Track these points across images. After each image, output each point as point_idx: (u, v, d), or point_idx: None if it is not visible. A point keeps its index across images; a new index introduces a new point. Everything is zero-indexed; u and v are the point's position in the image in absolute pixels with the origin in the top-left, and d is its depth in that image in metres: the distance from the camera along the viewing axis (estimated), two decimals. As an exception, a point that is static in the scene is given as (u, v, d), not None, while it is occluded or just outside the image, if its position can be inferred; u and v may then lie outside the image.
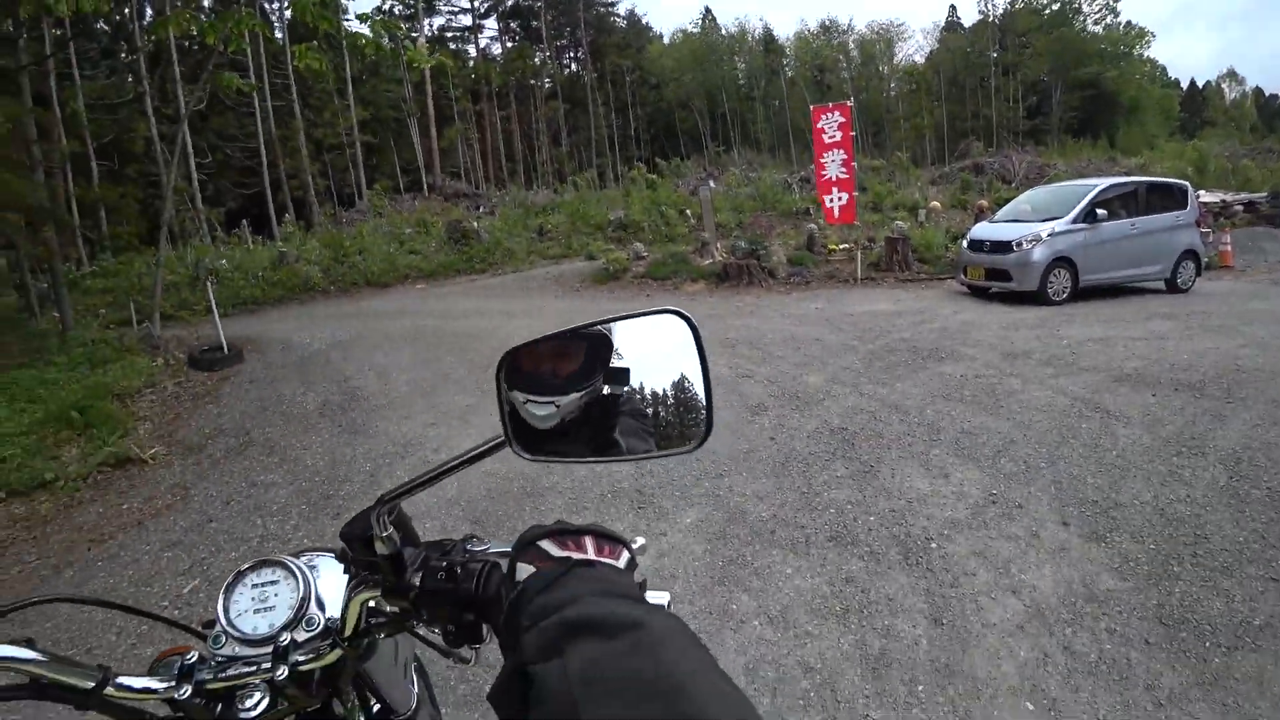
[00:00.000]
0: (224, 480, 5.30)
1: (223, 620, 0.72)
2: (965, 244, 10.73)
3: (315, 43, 11.34)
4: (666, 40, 61.56)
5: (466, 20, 52.16)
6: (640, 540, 0.69)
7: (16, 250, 12.12)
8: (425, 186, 35.88)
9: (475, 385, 6.85)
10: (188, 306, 14.33)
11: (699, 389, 0.70)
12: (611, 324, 0.71)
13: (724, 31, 56.99)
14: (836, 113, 11.76)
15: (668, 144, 55.41)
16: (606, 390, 0.70)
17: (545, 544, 0.61)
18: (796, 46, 55.22)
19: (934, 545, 3.46)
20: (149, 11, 32.13)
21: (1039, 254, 9.45)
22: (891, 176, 26.43)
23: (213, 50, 11.85)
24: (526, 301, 11.82)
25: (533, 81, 51.42)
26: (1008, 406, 5.25)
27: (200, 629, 0.84)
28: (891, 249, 12.53)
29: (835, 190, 11.75)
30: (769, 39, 54.88)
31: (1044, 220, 9.91)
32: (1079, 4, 51.13)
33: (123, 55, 32.22)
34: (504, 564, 0.65)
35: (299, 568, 0.75)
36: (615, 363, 0.70)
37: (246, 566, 0.76)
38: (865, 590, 3.14)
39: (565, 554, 0.59)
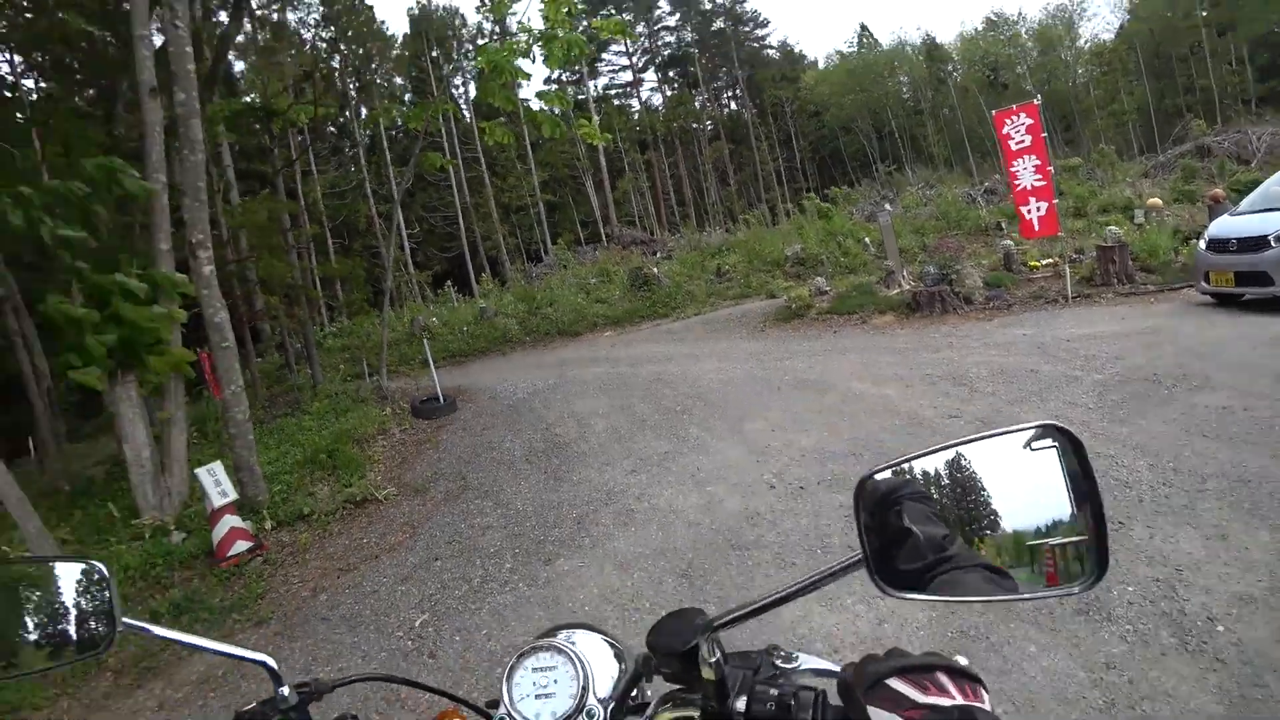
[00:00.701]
0: (446, 521, 5.85)
1: (508, 705, 0.76)
2: (1203, 244, 8.89)
3: (502, 119, 12.50)
4: (822, 65, 60.39)
5: (627, 76, 54.88)
6: (962, 659, 0.60)
7: (279, 320, 14.38)
8: (604, 237, 37.87)
9: (670, 431, 6.98)
10: (407, 360, 16.16)
11: (1085, 517, 0.62)
12: (975, 443, 0.66)
13: (882, 47, 54.52)
14: (1022, 114, 10.67)
15: (835, 171, 54.00)
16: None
17: (898, 685, 0.55)
18: (963, 49, 50.75)
19: (1220, 629, 2.77)
20: (364, 111, 37.51)
21: (1310, 247, 7.62)
22: (1093, 175, 23.57)
23: (417, 136, 13.47)
24: (712, 344, 11.91)
25: (695, 125, 52.71)
26: None
27: (485, 708, 0.92)
28: (1106, 259, 10.95)
29: (1032, 200, 10.66)
30: (931, 47, 51.62)
31: None
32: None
33: (347, 150, 37.71)
34: (832, 691, 0.62)
35: (577, 657, 0.78)
36: (983, 482, 0.64)
37: (525, 650, 0.80)
38: (1134, 681, 2.58)
39: (931, 700, 0.54)
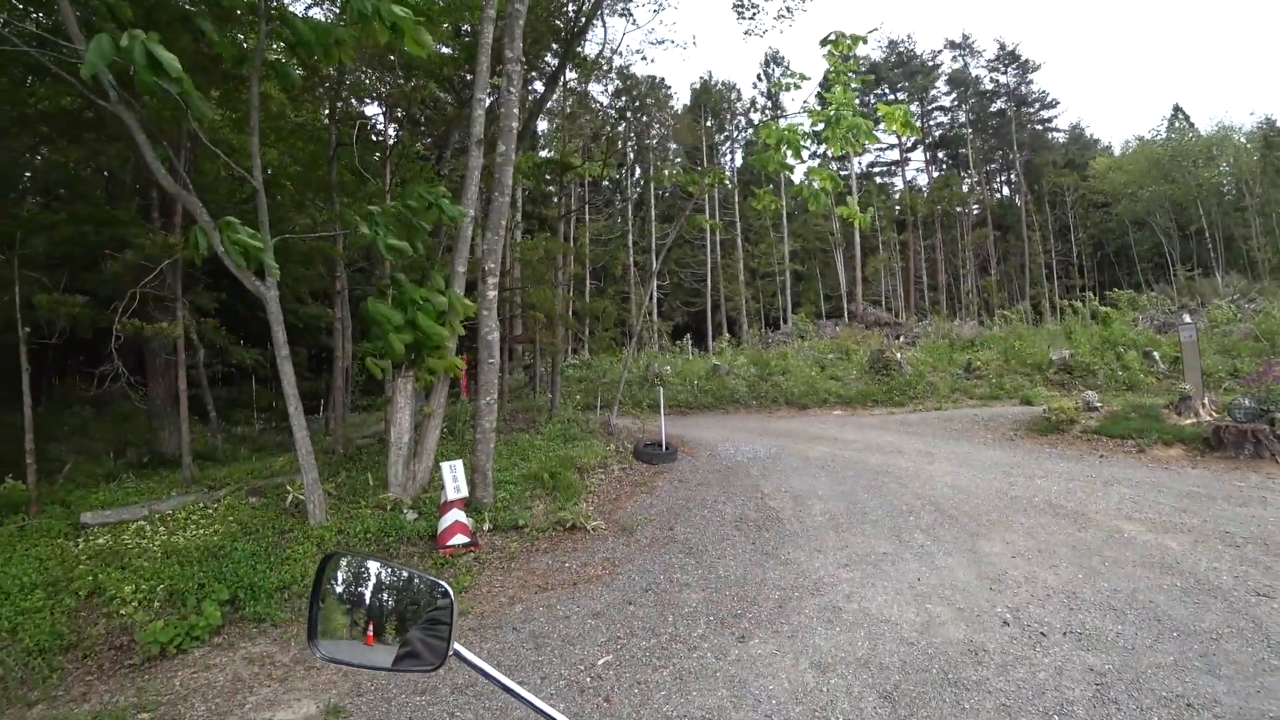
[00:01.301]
0: (646, 567, 5.87)
1: None
2: None
3: (769, 186, 12.89)
4: (1118, 151, 53.68)
5: (893, 155, 53.54)
6: None
7: (535, 342, 15.88)
8: (846, 313, 36.98)
9: (892, 531, 6.42)
10: (637, 402, 16.91)
11: None
12: None
13: (1199, 131, 46.82)
14: None
15: (1120, 270, 47.49)
16: None
17: None
18: None
19: None
20: (637, 170, 40.89)
21: None
22: None
23: (686, 197, 14.44)
24: (951, 445, 10.85)
25: (959, 209, 49.75)
26: None
27: None
28: None
29: None
30: (1270, 132, 43.08)
31: None
32: None
33: (617, 203, 41.29)
34: None
35: None
36: None
37: None
38: None
39: None
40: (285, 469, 9.18)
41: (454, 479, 6.45)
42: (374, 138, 13.56)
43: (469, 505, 6.89)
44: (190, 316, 10.63)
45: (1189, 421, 10.26)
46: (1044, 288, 45.15)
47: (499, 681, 1.15)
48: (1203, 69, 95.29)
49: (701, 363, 22.36)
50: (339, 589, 1.38)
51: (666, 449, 10.56)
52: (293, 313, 14.68)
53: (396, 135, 14.12)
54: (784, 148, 10.14)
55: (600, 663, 4.18)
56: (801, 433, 12.64)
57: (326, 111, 11.76)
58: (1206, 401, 10.91)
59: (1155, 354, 16.52)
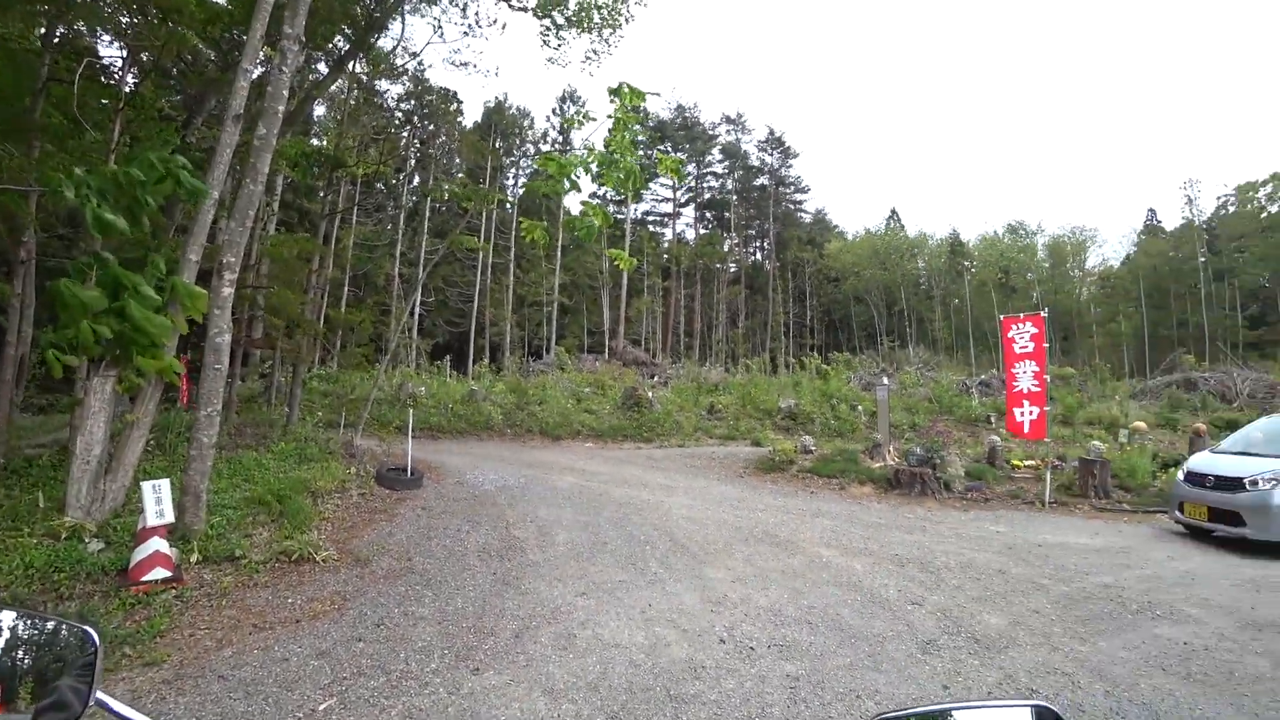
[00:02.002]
0: (379, 600, 5.54)
1: None
2: (1182, 475, 9.29)
3: (543, 220, 13.09)
4: (850, 236, 63.96)
5: (667, 207, 57.85)
6: None
7: (275, 349, 14.32)
8: (607, 350, 38.50)
9: (629, 560, 6.78)
10: (386, 423, 15.95)
11: None
12: (974, 710, 0.66)
13: (908, 233, 58.03)
14: (1029, 323, 11.35)
15: (841, 335, 56.02)
16: None
17: None
18: (981, 247, 54.03)
19: None
20: (417, 178, 39.24)
21: (1282, 497, 7.93)
22: (1084, 387, 24.48)
23: (462, 214, 14.10)
24: (689, 480, 11.81)
25: (718, 265, 54.89)
26: (1254, 697, 4.13)
27: None
28: (1087, 472, 11.27)
29: (1026, 403, 11.11)
30: (955, 242, 54.82)
31: None
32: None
33: (389, 209, 39.09)
34: None
35: None
36: None
37: None
38: None
39: None
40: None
41: (157, 501, 5.54)
42: (105, 81, 11.35)
43: (175, 533, 5.98)
44: None
45: (879, 465, 12.34)
46: (781, 344, 51.33)
47: None
48: (916, 179, 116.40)
49: (459, 386, 21.87)
50: None
51: (412, 474, 10.13)
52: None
53: (136, 84, 11.95)
54: (563, 178, 10.45)
55: (321, 708, 3.84)
56: (553, 463, 12.90)
57: (42, 30, 9.65)
58: (892, 448, 13.18)
59: (860, 407, 19.54)
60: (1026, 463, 12.75)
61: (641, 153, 10.08)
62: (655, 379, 26.90)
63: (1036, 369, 11.08)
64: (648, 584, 6.06)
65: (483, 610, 5.33)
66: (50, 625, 1.24)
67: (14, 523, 6.07)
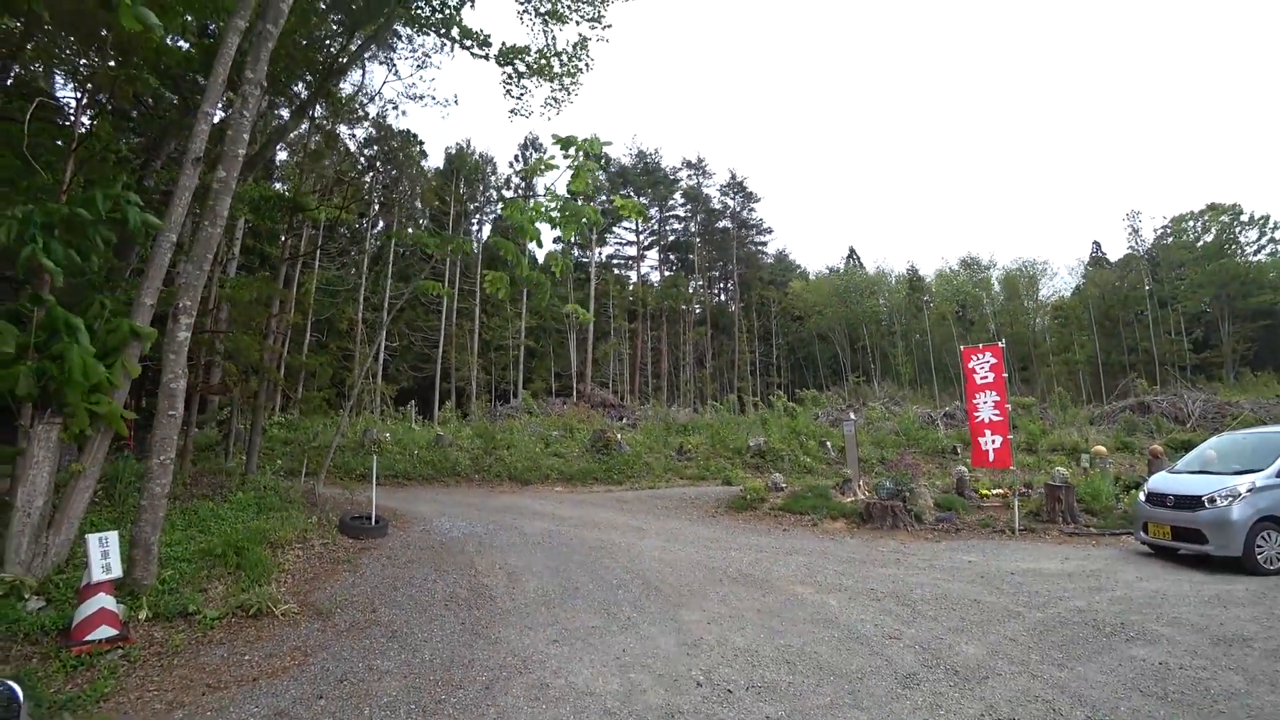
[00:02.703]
0: (342, 655, 5.28)
1: None
2: (1143, 497, 9.54)
3: (507, 269, 13.08)
4: (811, 275, 65.45)
5: (631, 250, 58.46)
6: None
7: (230, 393, 13.88)
8: (575, 392, 38.31)
9: (602, 605, 6.61)
10: (348, 471, 15.55)
11: None
12: None
13: (867, 271, 59.66)
14: (988, 354, 11.58)
15: (807, 373, 56.67)
16: None
17: None
18: (938, 283, 55.88)
19: None
20: (380, 223, 39.08)
21: (1239, 512, 8.12)
22: (1045, 414, 25.11)
23: (426, 259, 14.00)
24: (661, 521, 11.65)
25: (684, 307, 55.40)
26: (1230, 713, 4.19)
27: None
28: (1053, 498, 11.42)
29: (989, 433, 11.27)
30: (914, 278, 56.47)
31: (1238, 473, 8.65)
32: (1234, 235, 49.06)
33: (352, 254, 38.73)
34: None
35: None
36: None
37: None
38: None
39: None
40: None
41: (104, 555, 5.25)
42: (60, 123, 11.11)
43: (123, 588, 5.67)
44: None
45: (850, 499, 12.34)
46: (749, 383, 51.70)
47: None
48: (872, 218, 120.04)
49: (425, 432, 21.46)
50: None
51: (376, 522, 9.82)
52: None
53: (91, 125, 11.71)
54: (524, 233, 10.51)
55: (276, 772, 3.62)
56: (522, 508, 12.65)
57: (-7, 71, 9.47)
58: (862, 483, 13.23)
59: (829, 443, 19.63)
60: (994, 491, 12.90)
61: (603, 197, 10.27)
62: (624, 421, 26.77)
63: (998, 398, 11.28)
64: (621, 629, 5.89)
65: (451, 661, 5.12)
66: None
67: (-58, 580, 5.68)
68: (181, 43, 10.36)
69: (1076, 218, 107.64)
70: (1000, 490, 12.86)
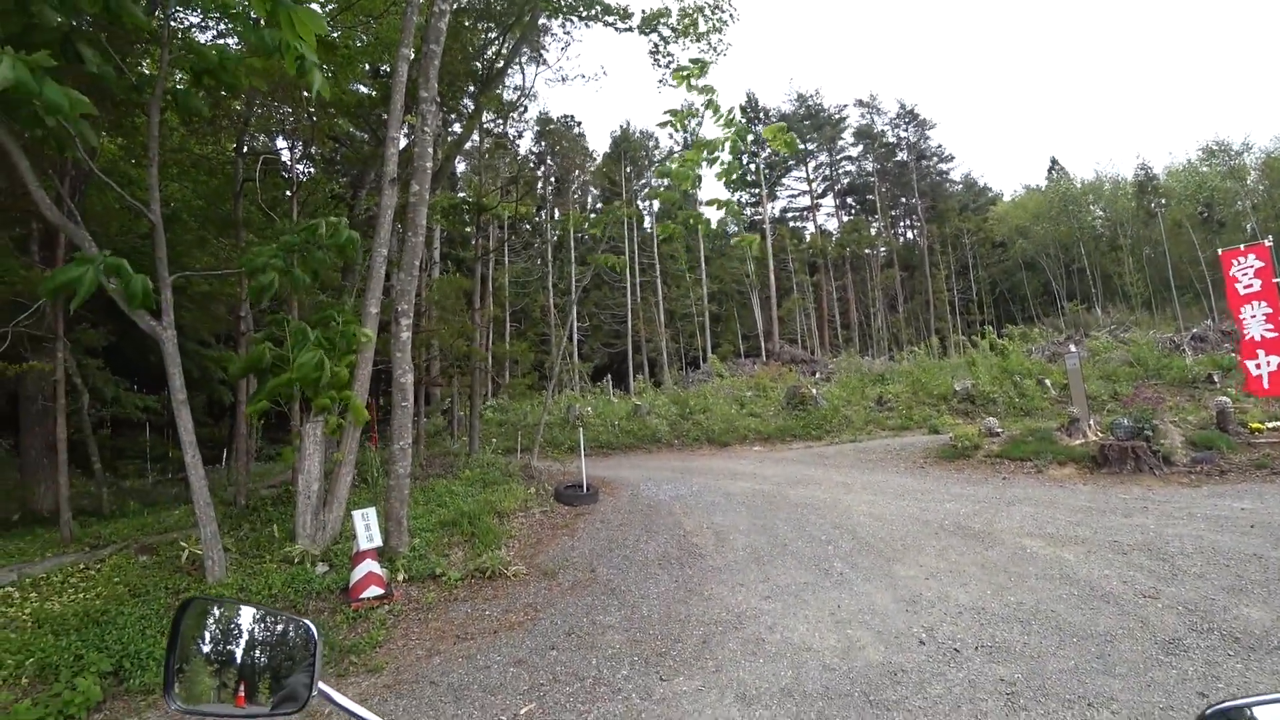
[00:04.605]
0: (568, 610, 5.72)
1: None
2: None
3: (671, 221, 13.26)
4: (1006, 198, 58.56)
5: (804, 201, 56.17)
6: None
7: (451, 387, 15.55)
8: (764, 352, 37.97)
9: (812, 561, 6.52)
10: (557, 445, 16.72)
11: None
12: None
13: (1078, 182, 51.66)
14: (1252, 255, 9.68)
15: (1014, 307, 51.08)
16: None
17: None
18: (1170, 182, 46.29)
19: None
20: (557, 213, 41.17)
21: None
22: None
23: (608, 237, 14.59)
24: (866, 475, 11.22)
25: (868, 251, 52.36)
26: None
27: None
28: None
29: (1260, 353, 9.45)
30: (1146, 179, 47.60)
31: None
32: None
33: (536, 245, 41.29)
34: None
35: None
36: None
37: None
38: None
39: None
40: (181, 523, 8.57)
41: (366, 528, 6.16)
42: (283, 174, 13.15)
43: (383, 555, 6.59)
44: (72, 357, 9.83)
45: (1078, 442, 10.99)
46: (948, 323, 47.71)
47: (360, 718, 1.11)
48: (1075, 124, 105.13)
49: (622, 404, 22.39)
50: (205, 641, 1.29)
51: (588, 490, 10.45)
52: (193, 355, 13.86)
53: (306, 172, 13.73)
54: (684, 181, 10.63)
55: (523, 712, 4.02)
56: (723, 469, 12.77)
57: (234, 145, 11.35)
58: (1092, 423, 11.73)
59: (1047, 381, 17.70)
60: (1270, 425, 10.77)
61: (751, 139, 10.25)
62: (817, 375, 26.07)
63: (1269, 310, 9.42)
64: (834, 585, 5.78)
65: (668, 617, 5.35)
66: (277, 622, 1.34)
67: (258, 551, 7.05)
68: (360, 88, 11.61)
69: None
70: (1279, 423, 10.72)
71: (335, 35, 9.43)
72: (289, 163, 13.62)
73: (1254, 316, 9.55)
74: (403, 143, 9.68)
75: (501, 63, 14.53)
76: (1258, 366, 9.54)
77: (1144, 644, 4.17)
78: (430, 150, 8.06)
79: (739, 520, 8.44)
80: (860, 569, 6.15)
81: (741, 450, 15.93)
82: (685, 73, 9.73)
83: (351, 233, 6.78)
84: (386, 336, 8.00)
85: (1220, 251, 10.46)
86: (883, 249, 54.45)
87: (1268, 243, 9.85)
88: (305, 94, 10.61)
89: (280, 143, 14.19)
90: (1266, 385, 9.53)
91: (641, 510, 9.50)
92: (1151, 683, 3.70)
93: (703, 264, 42.57)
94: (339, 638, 5.34)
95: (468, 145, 19.15)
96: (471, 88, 14.60)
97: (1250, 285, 9.62)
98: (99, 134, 6.76)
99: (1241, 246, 10.09)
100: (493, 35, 14.47)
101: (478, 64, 14.21)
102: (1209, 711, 0.55)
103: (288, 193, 12.26)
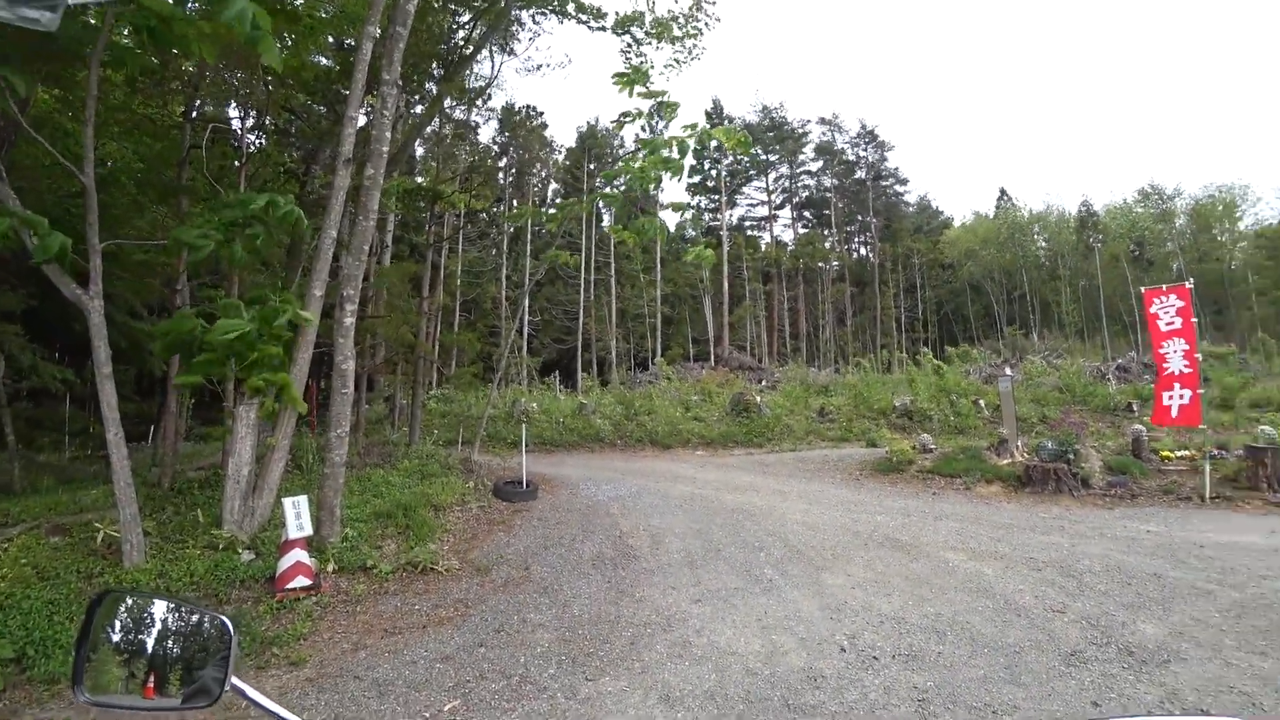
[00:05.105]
0: (499, 608, 5.71)
1: None
2: None
3: (624, 227, 13.34)
4: (957, 222, 60.79)
5: (762, 211, 57.03)
6: None
7: (394, 375, 15.26)
8: (713, 357, 38.35)
9: (744, 567, 6.66)
10: (499, 439, 16.59)
11: None
12: None
13: (1024, 211, 54.09)
14: (1173, 296, 10.25)
15: (957, 327, 52.96)
16: None
17: None
18: (1110, 218, 48.89)
19: None
20: (514, 204, 40.83)
21: None
22: (1245, 365, 21.96)
23: (555, 235, 14.53)
24: (803, 484, 11.49)
25: (821, 264, 53.43)
26: None
27: None
28: (1257, 462, 9.85)
29: (1176, 386, 10.02)
30: (1086, 215, 50.06)
31: None
32: None
33: (492, 236, 40.83)
34: None
35: None
36: None
37: None
38: None
39: None
40: (99, 503, 8.19)
41: (297, 516, 6.01)
42: (233, 144, 12.68)
43: (313, 545, 6.43)
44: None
45: (1006, 462, 11.51)
46: (893, 339, 49.09)
47: (279, 717, 1.12)
48: (1025, 157, 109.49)
49: (569, 401, 22.35)
50: (117, 631, 1.28)
51: (528, 487, 10.42)
52: (122, 326, 13.23)
53: (257, 143, 13.25)
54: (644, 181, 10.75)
55: (446, 709, 4.00)
56: (663, 472, 12.90)
57: (182, 110, 10.87)
58: (1020, 444, 12.27)
59: (981, 402, 18.41)
60: (1179, 453, 11.46)
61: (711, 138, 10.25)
62: (763, 383, 26.49)
63: (1186, 347, 9.99)
64: (763, 591, 5.92)
65: (599, 618, 5.39)
66: (194, 616, 1.33)
67: (180, 536, 6.78)
68: (322, 59, 11.28)
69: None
70: (1187, 452, 11.39)
71: (299, 3, 9.09)
72: (240, 131, 13.16)
73: (1174, 352, 10.10)
74: (361, 122, 9.45)
75: (470, 49, 14.32)
76: (1170, 398, 10.09)
77: (1049, 656, 4.43)
78: (388, 134, 7.91)
79: (675, 523, 8.55)
80: (790, 576, 6.31)
81: (684, 454, 16.09)
82: (627, 78, 9.75)
83: (296, 208, 6.58)
84: (330, 321, 7.81)
85: (1144, 290, 11.06)
86: (835, 263, 55.70)
87: (1189, 284, 10.44)
88: (261, 63, 10.25)
89: (233, 110, 13.71)
90: (1174, 415, 10.09)
91: (580, 509, 9.53)
92: (1052, 692, 3.93)
93: (658, 266, 42.79)
94: (261, 629, 5.20)
95: (428, 130, 18.87)
96: (437, 71, 14.35)
97: (1171, 323, 10.18)
98: (34, 84, 6.36)
99: (1164, 287, 10.68)
100: (463, 19, 14.25)
101: (444, 47, 13.98)
102: None
103: (236, 163, 11.81)
